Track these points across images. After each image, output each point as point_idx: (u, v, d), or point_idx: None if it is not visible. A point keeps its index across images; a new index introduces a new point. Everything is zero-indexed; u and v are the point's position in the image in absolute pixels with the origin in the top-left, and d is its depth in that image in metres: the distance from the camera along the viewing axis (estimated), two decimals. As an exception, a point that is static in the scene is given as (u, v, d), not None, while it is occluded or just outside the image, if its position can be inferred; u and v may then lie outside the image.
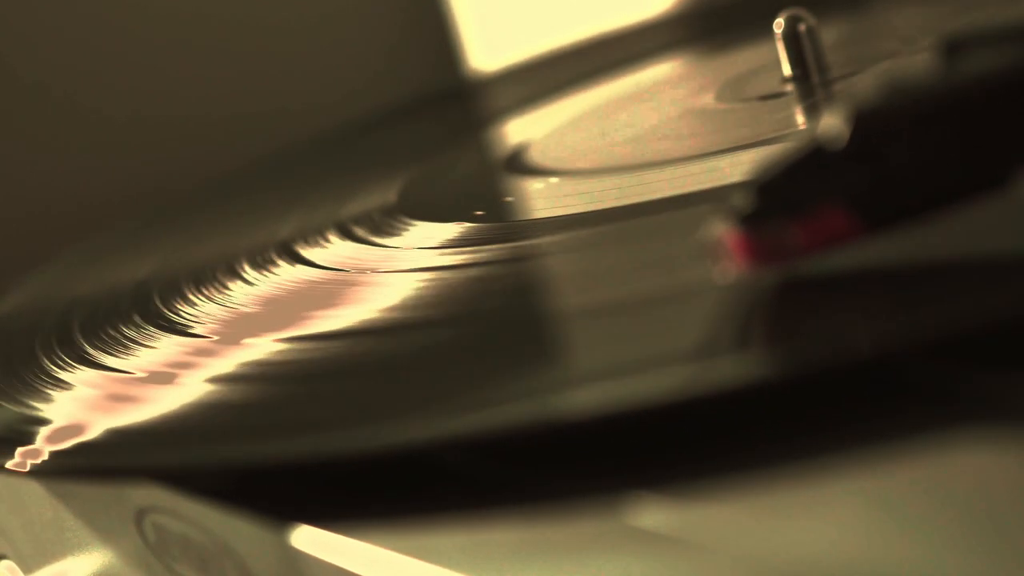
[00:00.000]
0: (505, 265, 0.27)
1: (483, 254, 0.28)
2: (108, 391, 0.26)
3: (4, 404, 0.27)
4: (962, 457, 0.17)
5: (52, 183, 0.53)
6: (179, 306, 0.30)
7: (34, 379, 0.28)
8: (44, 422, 0.25)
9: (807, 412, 0.18)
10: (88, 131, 0.54)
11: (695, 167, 0.29)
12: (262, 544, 0.21)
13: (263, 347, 0.26)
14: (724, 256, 0.20)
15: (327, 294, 0.28)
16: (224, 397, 0.24)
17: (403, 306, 0.26)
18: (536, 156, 0.36)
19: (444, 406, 0.21)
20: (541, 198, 0.32)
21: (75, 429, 0.24)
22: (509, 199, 0.34)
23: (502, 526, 0.18)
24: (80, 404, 0.26)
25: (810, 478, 0.17)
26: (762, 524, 0.16)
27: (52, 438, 0.25)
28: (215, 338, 0.27)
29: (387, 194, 0.35)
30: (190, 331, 0.28)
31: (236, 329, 0.27)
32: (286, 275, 0.30)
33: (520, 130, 0.41)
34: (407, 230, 0.31)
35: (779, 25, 0.34)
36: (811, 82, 0.34)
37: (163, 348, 0.27)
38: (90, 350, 0.28)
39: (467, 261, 0.27)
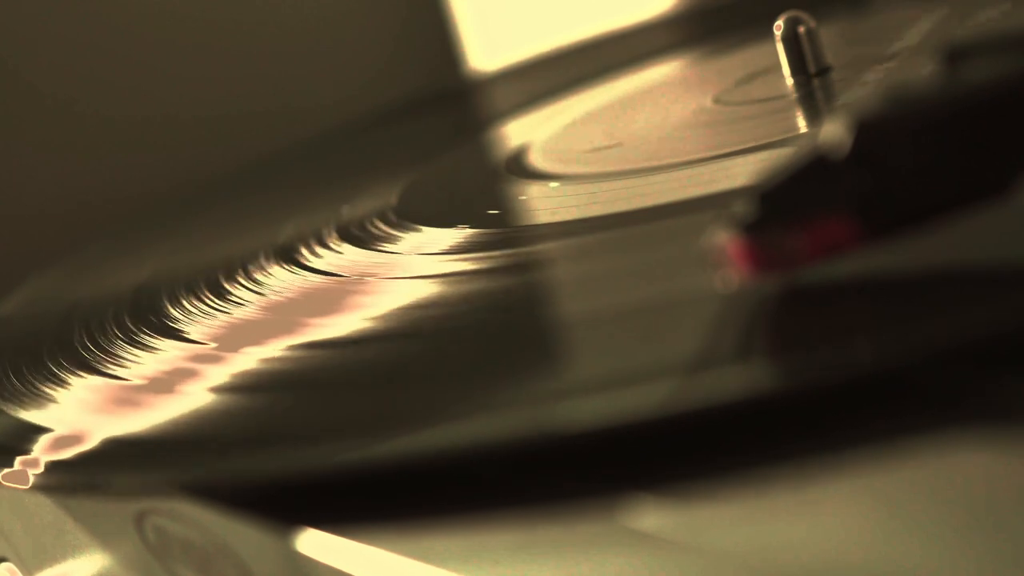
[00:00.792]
0: (505, 271, 0.27)
1: (483, 260, 0.28)
2: (108, 397, 0.26)
3: (3, 411, 0.27)
4: (962, 460, 0.17)
5: (52, 184, 0.53)
6: (178, 312, 0.30)
7: (34, 383, 0.28)
8: (43, 430, 0.25)
9: (808, 416, 0.18)
10: (88, 131, 0.54)
11: (695, 170, 0.29)
12: (263, 547, 0.21)
13: (263, 354, 0.26)
14: (726, 263, 0.20)
15: (326, 300, 0.28)
16: (224, 404, 0.24)
17: (403, 312, 0.26)
18: (536, 158, 0.36)
19: (445, 413, 0.21)
20: (541, 203, 0.32)
21: (75, 437, 0.24)
22: (509, 204, 0.34)
23: (501, 528, 0.18)
24: (79, 411, 0.26)
25: (810, 480, 0.17)
26: (762, 526, 0.17)
27: (51, 447, 0.25)
28: (214, 345, 0.27)
29: (387, 197, 0.35)
30: (189, 338, 0.28)
31: (236, 336, 0.27)
32: (285, 281, 0.30)
33: (520, 131, 0.41)
34: (407, 234, 0.31)
35: (779, 27, 0.34)
36: (811, 84, 0.34)
37: (163, 354, 0.28)
38: (89, 357, 0.29)
39: (467, 267, 0.27)
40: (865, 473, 0.17)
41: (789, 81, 0.34)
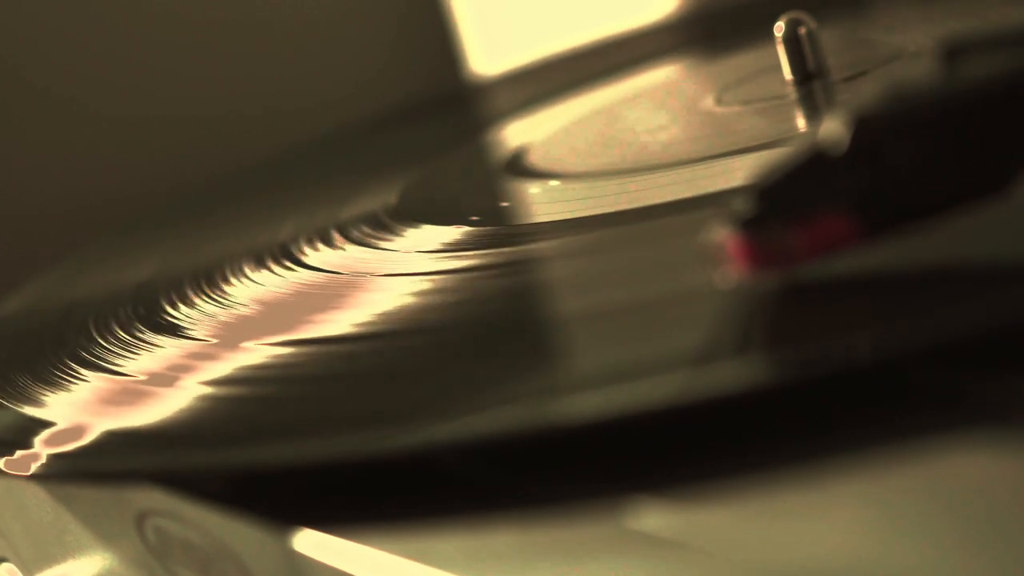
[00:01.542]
0: (505, 269, 0.27)
1: (483, 258, 0.28)
2: (108, 393, 0.26)
3: (5, 405, 0.27)
4: (963, 461, 0.17)
5: (52, 184, 0.53)
6: (179, 309, 0.30)
7: (35, 381, 0.28)
8: (46, 424, 0.25)
9: (808, 416, 0.18)
10: (88, 131, 0.54)
11: (695, 171, 0.29)
12: (263, 547, 0.21)
13: (262, 350, 0.26)
14: (725, 260, 0.20)
15: (326, 297, 0.28)
16: (224, 400, 0.24)
17: (402, 310, 0.26)
18: (536, 159, 0.36)
19: (445, 410, 0.21)
20: (541, 202, 0.32)
21: (75, 432, 0.24)
22: (508, 203, 0.34)
23: (502, 530, 0.18)
24: (80, 407, 0.26)
25: (811, 482, 0.17)
26: (763, 528, 0.16)
27: (52, 441, 0.25)
28: (215, 341, 0.27)
29: (387, 197, 0.35)
30: (190, 334, 0.28)
31: (236, 332, 0.27)
32: (285, 278, 0.30)
33: (520, 134, 0.41)
34: (407, 233, 0.31)
35: (779, 28, 0.34)
36: (812, 85, 0.34)
37: (163, 351, 0.28)
38: (90, 353, 0.29)
39: (467, 265, 0.27)
40: (865, 473, 0.17)
41: (789, 81, 0.34)
